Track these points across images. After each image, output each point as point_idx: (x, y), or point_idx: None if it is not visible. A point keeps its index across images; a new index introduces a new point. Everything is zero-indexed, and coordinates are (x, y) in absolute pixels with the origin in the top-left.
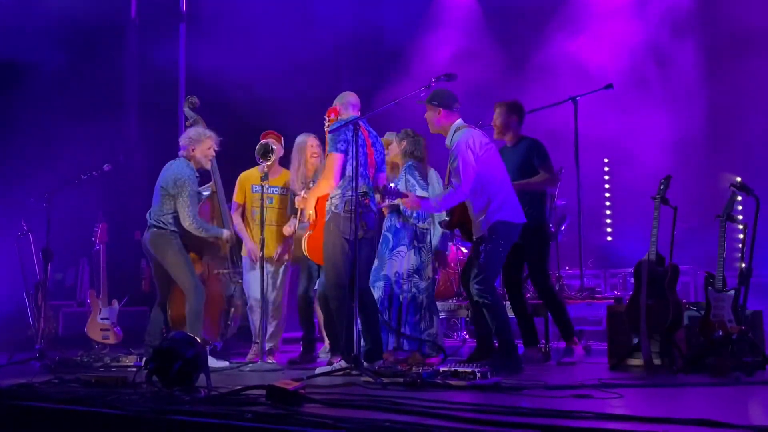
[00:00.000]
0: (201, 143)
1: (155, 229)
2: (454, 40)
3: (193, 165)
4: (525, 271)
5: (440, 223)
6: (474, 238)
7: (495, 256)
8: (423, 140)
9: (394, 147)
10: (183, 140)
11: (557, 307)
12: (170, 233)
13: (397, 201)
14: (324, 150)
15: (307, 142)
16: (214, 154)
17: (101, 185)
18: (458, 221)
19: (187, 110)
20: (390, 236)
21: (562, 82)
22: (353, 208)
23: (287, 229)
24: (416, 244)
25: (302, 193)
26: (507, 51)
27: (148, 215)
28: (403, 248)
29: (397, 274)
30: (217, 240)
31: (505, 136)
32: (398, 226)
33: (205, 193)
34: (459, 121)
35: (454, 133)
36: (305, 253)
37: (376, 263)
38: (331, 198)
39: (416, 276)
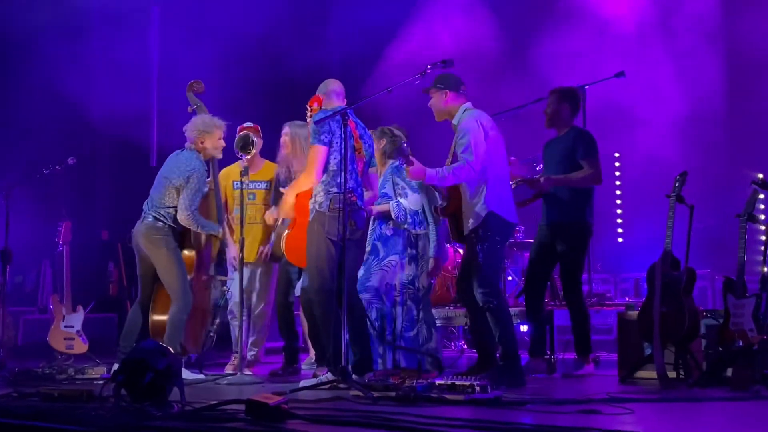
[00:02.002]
0: (211, 134)
1: (152, 220)
2: (452, 24)
3: (202, 157)
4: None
5: (434, 209)
6: (465, 231)
7: (494, 254)
8: (404, 137)
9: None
10: (190, 131)
11: (583, 318)
12: (168, 228)
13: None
14: None
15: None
16: (224, 144)
17: (65, 180)
18: (453, 211)
19: (190, 95)
20: (380, 245)
21: (570, 68)
22: (340, 206)
23: (269, 217)
24: (410, 252)
25: None
26: (508, 34)
27: (145, 205)
28: (394, 258)
29: (389, 286)
30: (210, 239)
31: (556, 125)
32: (389, 234)
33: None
34: (468, 104)
35: (463, 112)
36: (284, 254)
37: (361, 272)
38: (315, 195)
39: (411, 287)
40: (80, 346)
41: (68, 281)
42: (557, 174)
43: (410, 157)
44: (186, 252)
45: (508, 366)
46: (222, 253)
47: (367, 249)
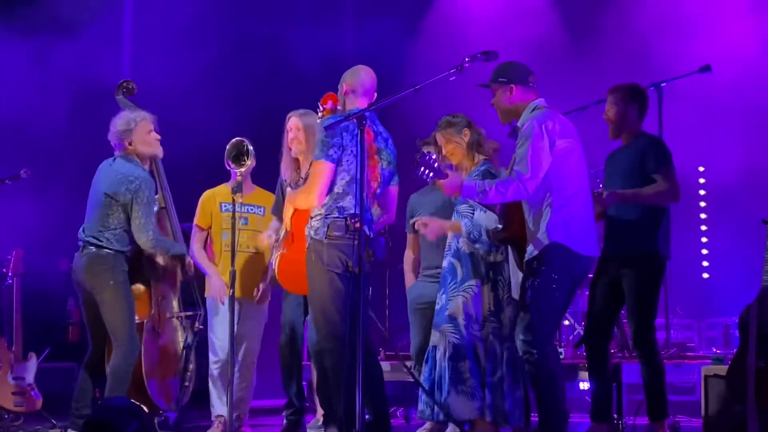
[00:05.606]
0: (135, 130)
1: (93, 248)
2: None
3: (140, 162)
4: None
5: (488, 233)
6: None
7: (547, 294)
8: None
9: (448, 140)
10: (112, 136)
11: (657, 372)
12: (115, 255)
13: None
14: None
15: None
16: (158, 136)
17: (16, 198)
18: (512, 237)
19: (120, 98)
20: (458, 264)
21: (643, 59)
22: (341, 233)
23: (264, 238)
24: (491, 276)
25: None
26: (568, 20)
27: (81, 232)
28: (475, 282)
29: (468, 317)
30: (176, 264)
31: (623, 133)
32: (468, 251)
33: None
34: (540, 100)
35: (531, 112)
36: (275, 276)
37: (441, 301)
38: (310, 219)
39: (493, 319)
40: (32, 403)
41: (18, 322)
42: (620, 190)
43: (440, 168)
44: (140, 285)
45: None
46: (188, 284)
47: (444, 265)
